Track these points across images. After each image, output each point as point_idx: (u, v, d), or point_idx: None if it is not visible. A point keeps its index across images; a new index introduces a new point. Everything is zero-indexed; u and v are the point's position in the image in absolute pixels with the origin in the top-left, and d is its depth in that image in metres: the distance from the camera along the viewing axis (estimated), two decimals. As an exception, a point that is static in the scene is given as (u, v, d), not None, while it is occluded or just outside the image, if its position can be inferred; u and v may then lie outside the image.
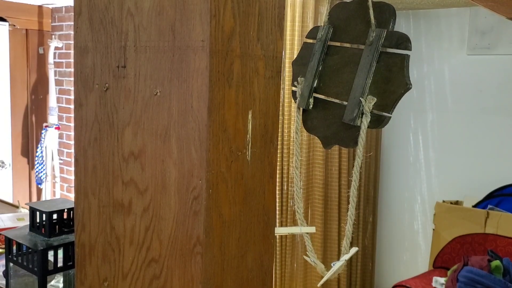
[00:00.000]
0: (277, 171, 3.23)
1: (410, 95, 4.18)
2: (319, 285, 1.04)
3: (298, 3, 3.25)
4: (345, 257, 1.01)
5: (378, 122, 0.89)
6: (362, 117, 0.87)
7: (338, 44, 0.97)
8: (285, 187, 3.42)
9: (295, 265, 3.51)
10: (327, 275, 1.02)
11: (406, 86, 0.86)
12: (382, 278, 4.17)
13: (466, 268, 3.00)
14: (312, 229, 1.06)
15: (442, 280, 3.30)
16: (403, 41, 0.88)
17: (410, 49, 0.87)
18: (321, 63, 0.97)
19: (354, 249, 1.03)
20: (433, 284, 3.34)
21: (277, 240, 3.44)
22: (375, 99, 0.87)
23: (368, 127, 0.87)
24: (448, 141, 3.85)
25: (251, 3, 0.83)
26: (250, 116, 0.84)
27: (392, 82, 0.87)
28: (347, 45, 0.95)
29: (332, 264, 1.02)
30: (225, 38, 0.79)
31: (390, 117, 0.88)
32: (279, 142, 2.65)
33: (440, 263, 3.65)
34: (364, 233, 4.02)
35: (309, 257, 1.04)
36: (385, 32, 0.89)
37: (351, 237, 0.98)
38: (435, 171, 3.92)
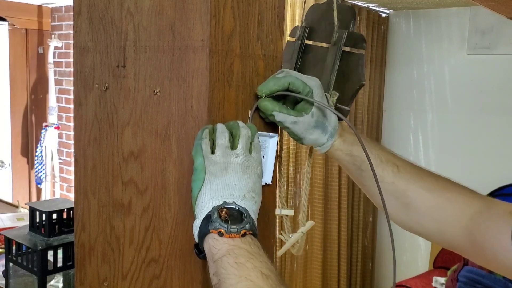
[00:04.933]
0: (277, 171, 3.22)
1: (410, 95, 4.18)
2: (279, 254, 1.10)
3: (298, 3, 3.25)
4: (301, 229, 1.09)
5: (341, 114, 0.98)
6: None
7: (311, 43, 1.05)
8: (285, 187, 3.42)
9: (295, 265, 3.51)
10: (285, 246, 1.09)
11: (360, 83, 0.96)
12: (382, 278, 4.16)
13: (466, 268, 2.99)
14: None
15: (442, 280, 3.30)
16: (359, 41, 0.96)
17: (364, 49, 0.96)
18: (299, 61, 1.04)
19: (310, 222, 1.11)
20: (433, 284, 3.34)
21: (277, 240, 3.44)
22: (337, 94, 0.96)
23: None
24: (448, 141, 3.85)
25: (251, 3, 0.83)
26: (250, 116, 0.84)
27: (351, 79, 0.97)
28: (319, 44, 1.04)
29: (290, 236, 1.09)
30: (225, 37, 0.79)
31: (349, 110, 0.98)
32: (278, 142, 2.65)
33: (440, 263, 3.65)
34: (364, 233, 4.02)
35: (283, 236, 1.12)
36: (346, 33, 0.96)
37: (307, 211, 1.07)
38: (435, 171, 3.92)
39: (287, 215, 1.09)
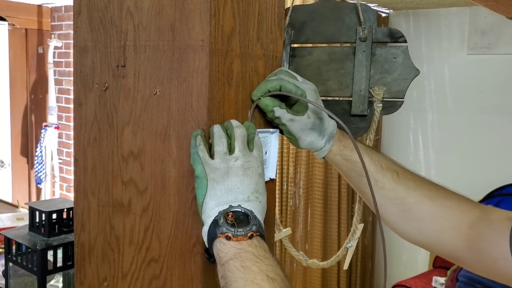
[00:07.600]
0: (277, 171, 3.22)
1: (410, 95, 4.17)
2: (345, 267, 1.15)
3: (298, 3, 3.26)
4: (357, 235, 1.10)
5: (393, 108, 0.98)
6: (373, 106, 0.96)
7: (309, 45, 1.03)
8: (285, 187, 3.42)
9: (295, 265, 3.51)
10: (348, 256, 1.10)
11: (417, 72, 0.96)
12: (382, 278, 4.17)
13: (466, 268, 2.99)
14: (287, 231, 1.13)
15: (442, 280, 3.30)
16: (400, 35, 0.97)
17: (405, 41, 0.97)
18: (290, 65, 1.03)
19: (361, 225, 1.11)
20: (433, 284, 3.34)
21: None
22: (384, 88, 0.96)
23: (381, 114, 0.97)
24: (448, 141, 3.85)
25: (251, 3, 0.83)
26: (250, 115, 0.84)
27: (398, 71, 0.96)
28: (333, 45, 1.02)
29: (348, 246, 1.10)
30: (225, 37, 0.79)
31: (403, 101, 0.97)
32: (279, 142, 2.65)
33: (440, 263, 3.65)
34: (364, 233, 4.02)
35: (300, 256, 1.12)
36: (374, 29, 0.97)
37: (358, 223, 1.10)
38: (435, 171, 3.92)
39: (285, 236, 1.10)
